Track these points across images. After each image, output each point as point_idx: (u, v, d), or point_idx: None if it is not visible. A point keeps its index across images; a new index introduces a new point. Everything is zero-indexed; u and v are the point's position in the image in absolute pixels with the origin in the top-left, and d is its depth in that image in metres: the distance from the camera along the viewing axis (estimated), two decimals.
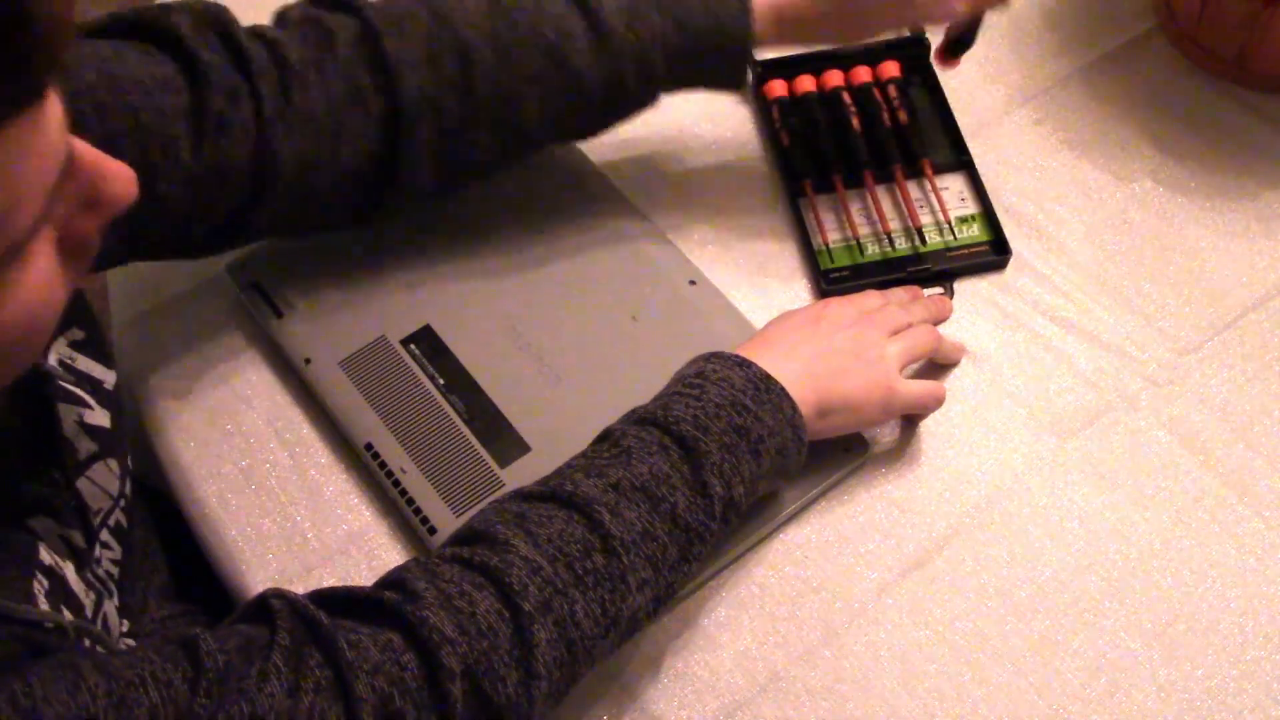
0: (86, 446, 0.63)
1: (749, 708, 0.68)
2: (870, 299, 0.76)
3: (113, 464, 0.65)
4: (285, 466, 0.76)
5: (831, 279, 0.82)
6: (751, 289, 0.82)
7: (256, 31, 0.69)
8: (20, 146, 0.41)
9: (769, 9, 0.75)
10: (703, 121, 0.91)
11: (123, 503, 0.67)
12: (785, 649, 0.70)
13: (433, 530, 0.71)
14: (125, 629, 0.66)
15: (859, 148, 0.87)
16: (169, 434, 0.77)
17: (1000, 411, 0.78)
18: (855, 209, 0.85)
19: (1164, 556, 0.73)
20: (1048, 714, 0.68)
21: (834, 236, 0.84)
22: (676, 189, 0.87)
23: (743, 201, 0.87)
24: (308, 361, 0.78)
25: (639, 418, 0.66)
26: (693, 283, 0.81)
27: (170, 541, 0.78)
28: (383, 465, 0.73)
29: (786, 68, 0.91)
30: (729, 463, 0.64)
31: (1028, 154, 0.89)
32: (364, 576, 0.72)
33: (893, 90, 0.89)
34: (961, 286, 0.83)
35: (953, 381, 0.79)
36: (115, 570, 0.66)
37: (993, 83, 0.93)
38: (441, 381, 0.76)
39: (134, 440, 0.82)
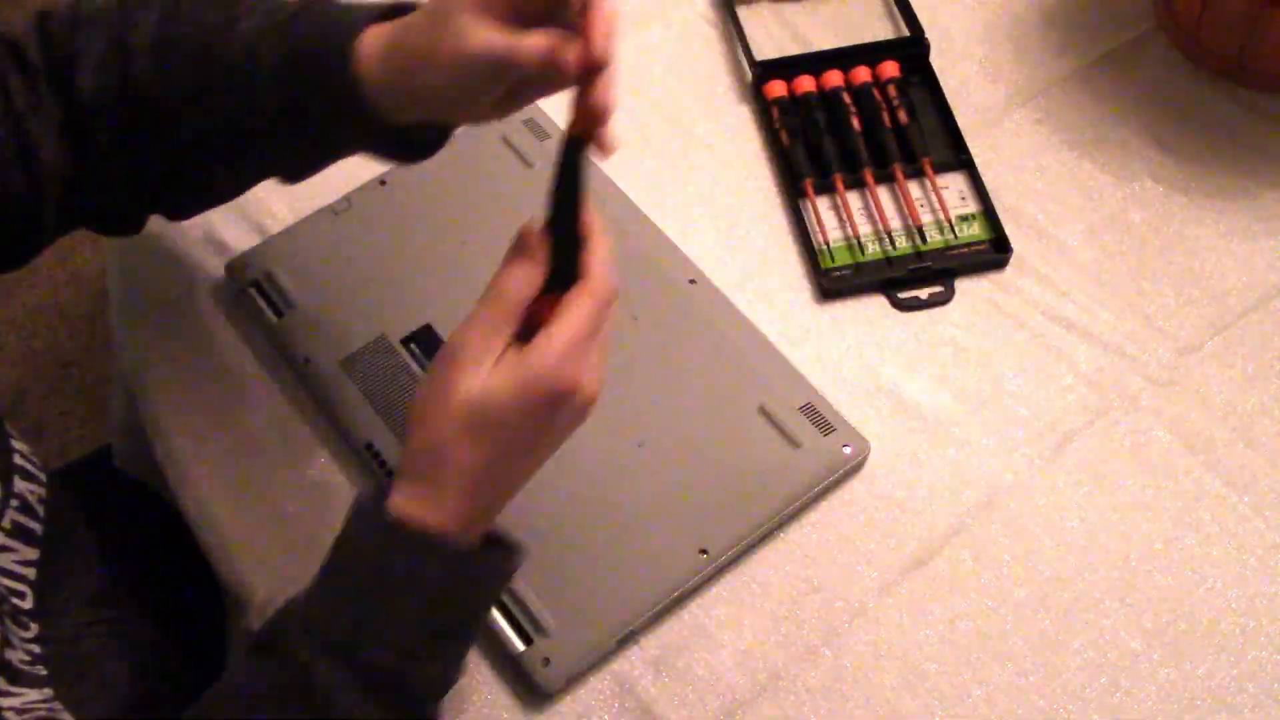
0: None
1: (749, 707, 0.68)
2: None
3: None
4: (285, 466, 0.76)
5: (832, 278, 0.82)
6: (751, 289, 0.82)
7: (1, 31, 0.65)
8: None
9: (382, 34, 0.61)
10: (703, 121, 0.91)
11: (15, 503, 0.66)
12: (786, 649, 0.70)
13: None
14: (34, 633, 0.65)
15: (859, 148, 0.87)
16: (168, 434, 0.77)
17: (1000, 411, 0.78)
18: (855, 208, 0.85)
19: (1164, 556, 0.73)
20: (1048, 714, 0.68)
21: (834, 235, 0.84)
22: (677, 189, 0.87)
23: (743, 201, 0.87)
24: (307, 361, 0.77)
25: (330, 643, 0.56)
26: (693, 282, 0.81)
27: (160, 542, 0.77)
28: (383, 465, 0.73)
29: (786, 68, 0.91)
30: (434, 674, 0.59)
31: (1028, 154, 0.89)
32: None
33: (892, 90, 0.89)
34: (962, 286, 0.83)
35: (953, 381, 0.79)
36: (30, 572, 0.66)
37: (993, 83, 0.93)
38: None
39: (133, 440, 0.83)
